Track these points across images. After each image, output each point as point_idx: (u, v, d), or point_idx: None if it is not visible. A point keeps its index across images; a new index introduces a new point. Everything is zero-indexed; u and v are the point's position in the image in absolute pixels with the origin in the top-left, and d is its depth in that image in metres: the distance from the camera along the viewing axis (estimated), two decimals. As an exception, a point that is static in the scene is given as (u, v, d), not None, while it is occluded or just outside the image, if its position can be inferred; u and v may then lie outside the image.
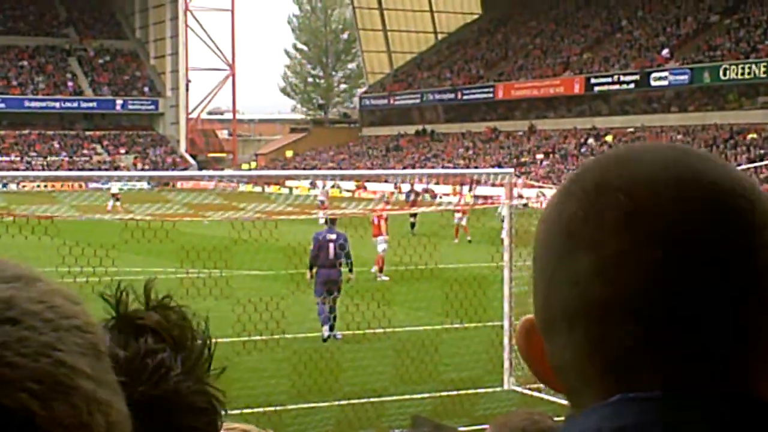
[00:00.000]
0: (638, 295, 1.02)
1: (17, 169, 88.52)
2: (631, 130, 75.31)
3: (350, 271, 19.49)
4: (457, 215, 37.45)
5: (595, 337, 1.04)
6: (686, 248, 1.02)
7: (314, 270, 19.42)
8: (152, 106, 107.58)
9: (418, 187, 46.82)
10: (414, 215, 39.09)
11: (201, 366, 1.34)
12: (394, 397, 14.89)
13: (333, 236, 19.32)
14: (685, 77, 72.70)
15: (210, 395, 1.33)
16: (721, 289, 1.01)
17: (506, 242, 16.25)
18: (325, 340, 18.79)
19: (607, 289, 1.02)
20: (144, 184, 54.76)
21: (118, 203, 48.13)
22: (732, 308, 1.02)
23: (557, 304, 1.06)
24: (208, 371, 1.35)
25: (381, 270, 27.76)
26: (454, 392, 15.20)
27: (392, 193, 41.31)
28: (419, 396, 15.10)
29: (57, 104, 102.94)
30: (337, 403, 14.34)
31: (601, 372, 1.04)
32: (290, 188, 63.35)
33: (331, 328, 18.98)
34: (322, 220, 30.31)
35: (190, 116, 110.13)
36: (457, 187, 44.68)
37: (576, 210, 1.06)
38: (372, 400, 14.63)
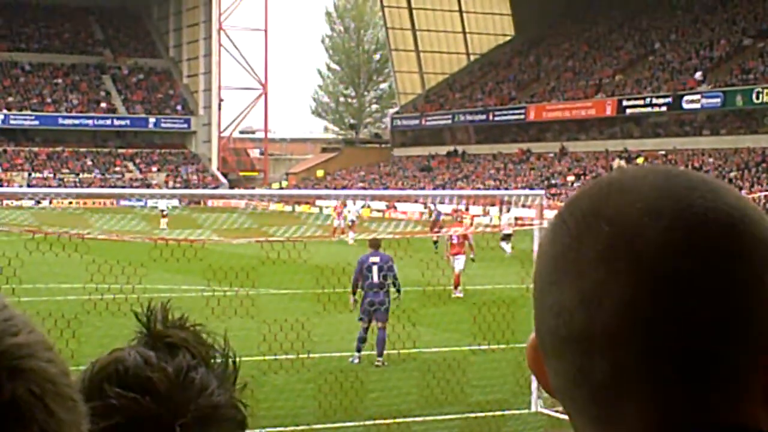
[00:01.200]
0: (617, 327, 1.01)
1: (50, 186, 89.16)
2: (663, 152, 75.03)
3: (398, 291, 19.10)
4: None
5: (579, 367, 1.04)
6: (664, 281, 1.00)
7: (357, 295, 19.19)
8: (185, 125, 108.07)
9: (446, 208, 46.75)
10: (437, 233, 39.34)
11: (230, 381, 1.38)
12: (421, 419, 14.82)
13: (377, 259, 18.99)
14: (718, 100, 72.38)
15: (240, 409, 1.38)
16: (699, 323, 1.00)
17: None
18: (356, 362, 18.57)
19: (588, 320, 1.02)
20: (175, 202, 55.03)
21: (165, 220, 48.62)
22: (711, 341, 1.00)
23: (546, 332, 1.07)
24: (233, 386, 1.39)
25: (456, 287, 27.85)
26: (481, 414, 15.11)
27: (458, 212, 41.27)
28: (446, 417, 15.02)
29: (90, 122, 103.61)
30: (363, 423, 14.28)
31: (587, 401, 1.04)
32: (320, 207, 63.40)
33: (380, 354, 18.67)
34: (351, 241, 30.41)
35: (222, 135, 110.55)
36: (461, 207, 44.84)
37: (564, 239, 1.06)
38: (398, 420, 14.58)
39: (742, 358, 1.01)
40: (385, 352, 18.76)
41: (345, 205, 50.89)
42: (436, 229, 43.02)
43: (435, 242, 39.21)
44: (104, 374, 1.32)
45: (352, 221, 47.29)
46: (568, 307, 1.03)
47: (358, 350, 18.81)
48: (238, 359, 1.40)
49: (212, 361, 1.38)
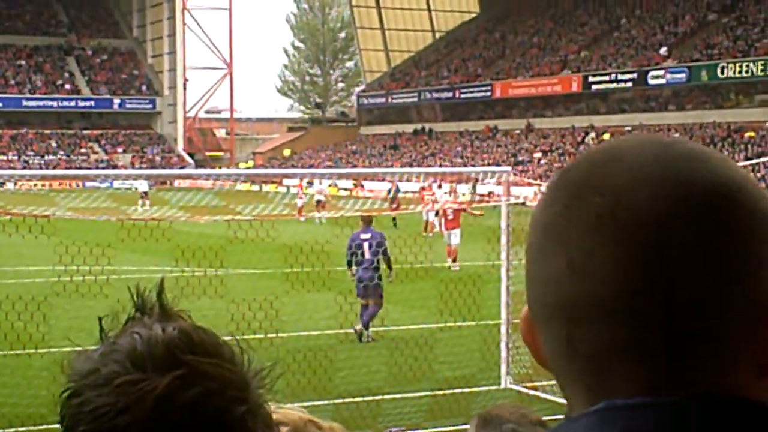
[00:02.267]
0: (604, 297, 1.01)
1: (14, 168, 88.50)
2: (629, 128, 75.30)
3: (389, 269, 19.17)
4: (426, 209, 38.18)
5: (568, 337, 1.04)
6: (652, 250, 1.00)
7: (351, 269, 19.31)
8: (150, 105, 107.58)
9: (414, 186, 47.02)
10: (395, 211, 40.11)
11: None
12: (390, 396, 14.89)
13: (368, 235, 19.05)
14: (683, 76, 72.75)
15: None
16: (685, 293, 1.00)
17: (503, 240, 16.25)
18: (360, 340, 18.69)
19: (576, 289, 1.02)
20: (138, 184, 54.80)
21: (147, 201, 48.43)
22: (698, 312, 1.00)
23: (535, 301, 1.07)
24: None
25: (455, 260, 28.96)
26: (450, 391, 15.18)
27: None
28: (415, 395, 15.09)
29: (54, 103, 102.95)
30: (332, 402, 14.34)
31: (578, 371, 1.04)
32: (287, 187, 63.34)
33: (366, 327, 18.79)
34: (323, 221, 30.50)
35: (187, 115, 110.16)
36: (429, 183, 45.37)
37: (555, 207, 1.06)
38: (368, 399, 14.64)
39: (730, 328, 1.00)
40: (371, 329, 18.88)
41: (311, 184, 50.85)
42: (394, 206, 43.36)
43: (394, 219, 39.55)
44: (175, 342, 1.32)
45: (319, 201, 47.21)
46: (556, 275, 1.03)
47: (366, 327, 18.80)
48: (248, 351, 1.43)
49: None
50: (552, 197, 1.07)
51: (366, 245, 18.93)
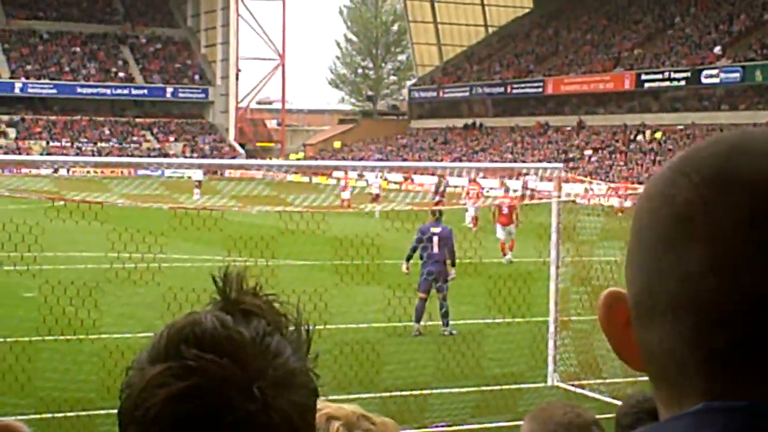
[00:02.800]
0: (752, 300, 0.97)
1: (67, 155, 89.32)
2: (681, 127, 74.78)
3: (453, 265, 19.21)
4: (471, 203, 38.57)
5: (700, 333, 1.00)
6: None
7: (410, 262, 19.39)
8: (202, 95, 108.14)
9: (463, 181, 46.93)
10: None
11: (303, 350, 1.40)
12: (437, 391, 14.90)
13: (438, 230, 19.10)
14: (737, 75, 72.07)
15: (312, 378, 1.40)
16: None
17: (553, 238, 16.17)
18: (416, 335, 18.76)
19: (721, 287, 0.98)
20: (192, 173, 55.15)
21: (198, 190, 48.78)
22: None
23: (662, 292, 1.03)
24: (307, 355, 1.41)
25: (511, 248, 29.83)
26: (497, 387, 15.17)
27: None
28: (462, 390, 15.10)
29: (108, 91, 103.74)
30: (379, 395, 14.37)
31: (701, 366, 1.01)
32: (337, 179, 63.41)
33: (446, 324, 18.88)
34: (377, 215, 30.56)
35: (239, 105, 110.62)
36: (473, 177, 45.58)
37: (693, 197, 1.01)
38: (415, 393, 14.66)
39: None
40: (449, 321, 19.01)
41: (362, 176, 50.84)
42: (437, 199, 43.42)
43: (435, 213, 39.62)
44: (182, 335, 1.33)
45: (376, 194, 47.23)
46: (698, 269, 0.99)
47: (417, 321, 18.88)
48: (311, 329, 1.42)
49: (286, 329, 1.40)
50: (682, 184, 1.03)
51: (436, 239, 18.94)
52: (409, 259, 19.46)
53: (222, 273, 1.42)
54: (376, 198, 46.19)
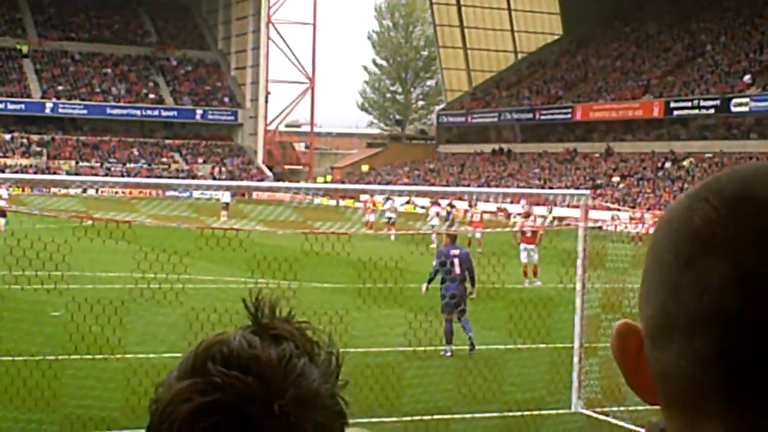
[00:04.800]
0: None
1: (96, 175, 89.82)
2: (710, 155, 74.56)
3: (473, 285, 19.61)
4: (470, 229, 39.05)
5: (719, 348, 0.99)
6: None
7: (430, 284, 19.73)
8: (231, 117, 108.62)
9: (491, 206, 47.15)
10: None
11: (332, 376, 1.42)
12: (459, 416, 14.89)
13: (457, 251, 19.59)
14: (767, 104, 71.85)
15: (339, 402, 1.43)
16: None
17: (579, 264, 16.14)
18: (449, 355, 19.02)
19: (742, 300, 0.97)
20: (220, 194, 55.30)
21: (225, 212, 48.98)
22: None
23: (679, 310, 1.02)
24: (336, 381, 1.43)
25: (535, 274, 30.18)
26: (520, 413, 15.14)
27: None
28: (485, 415, 15.08)
29: (138, 112, 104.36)
30: (400, 419, 14.37)
31: (719, 384, 0.99)
32: (364, 203, 63.50)
33: (471, 348, 19.18)
34: (393, 237, 30.71)
35: (268, 128, 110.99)
36: (470, 202, 45.95)
37: (712, 215, 1.01)
38: (436, 417, 14.65)
39: None
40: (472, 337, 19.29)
41: (390, 200, 50.93)
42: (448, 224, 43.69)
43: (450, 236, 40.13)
44: (209, 353, 1.36)
45: (390, 218, 47.20)
46: (718, 283, 0.99)
47: (449, 342, 19.12)
48: (341, 356, 1.44)
49: (316, 355, 1.41)
50: (701, 205, 1.03)
51: (456, 261, 19.33)
52: (431, 281, 19.78)
53: (254, 297, 1.45)
54: (391, 224, 46.24)
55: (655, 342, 1.05)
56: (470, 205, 43.92)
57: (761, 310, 0.97)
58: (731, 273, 0.98)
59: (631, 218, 42.28)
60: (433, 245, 34.95)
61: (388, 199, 50.88)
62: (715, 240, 1.00)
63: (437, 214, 45.23)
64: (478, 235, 38.97)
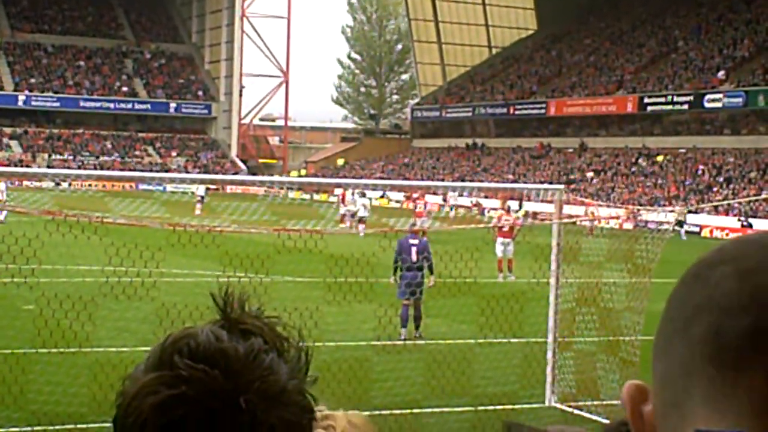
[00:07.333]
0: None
1: (69, 168, 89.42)
2: (683, 151, 74.86)
3: (431, 273, 20.26)
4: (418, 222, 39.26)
5: (709, 328, 1.00)
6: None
7: (397, 274, 20.37)
8: (205, 110, 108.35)
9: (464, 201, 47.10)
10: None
11: (301, 372, 1.42)
12: (430, 410, 14.87)
13: (415, 241, 20.26)
14: (740, 100, 72.18)
15: (307, 397, 1.42)
16: None
17: (554, 259, 16.12)
18: (404, 341, 19.58)
19: (740, 287, 0.99)
20: (194, 188, 55.15)
21: (200, 205, 48.79)
22: None
23: (680, 313, 1.04)
24: (304, 377, 1.43)
25: (510, 270, 30.40)
26: (492, 407, 15.13)
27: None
28: (457, 409, 15.06)
29: (111, 105, 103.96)
30: (370, 413, 14.30)
31: (705, 368, 1.00)
32: (338, 197, 63.48)
33: (417, 327, 19.95)
34: (362, 234, 30.71)
35: (242, 121, 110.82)
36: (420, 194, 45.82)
37: (728, 271, 1.02)
38: (407, 411, 14.63)
39: None
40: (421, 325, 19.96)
41: (364, 195, 50.81)
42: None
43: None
44: (176, 347, 1.36)
45: (361, 217, 46.75)
46: (717, 278, 1.01)
47: (404, 326, 19.87)
48: (311, 352, 1.44)
49: (285, 351, 1.41)
50: (716, 269, 1.03)
51: (414, 249, 20.05)
52: (395, 271, 20.46)
53: (223, 292, 1.44)
54: (361, 220, 45.87)
55: (657, 350, 1.06)
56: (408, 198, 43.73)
57: (758, 294, 0.98)
58: (732, 270, 1.00)
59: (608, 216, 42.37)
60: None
61: (362, 195, 50.70)
62: (723, 255, 1.03)
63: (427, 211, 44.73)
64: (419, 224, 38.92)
